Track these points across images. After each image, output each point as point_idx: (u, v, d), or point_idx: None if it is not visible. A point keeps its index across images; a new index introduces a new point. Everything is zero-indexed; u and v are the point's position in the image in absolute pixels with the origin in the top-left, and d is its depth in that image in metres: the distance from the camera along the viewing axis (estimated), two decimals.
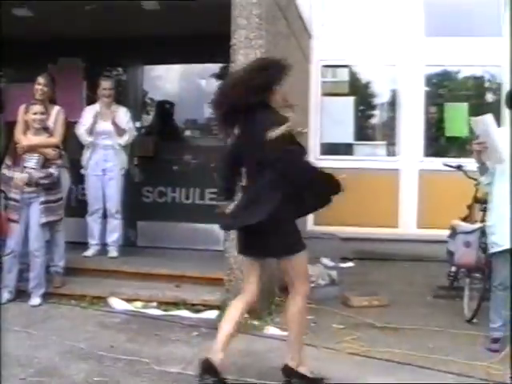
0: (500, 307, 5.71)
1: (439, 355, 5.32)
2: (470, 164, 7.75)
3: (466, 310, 6.66)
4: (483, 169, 5.83)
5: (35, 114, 6.84)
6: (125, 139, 8.17)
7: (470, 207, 7.51)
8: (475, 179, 7.36)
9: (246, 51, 6.48)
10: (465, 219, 7.38)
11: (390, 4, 11.08)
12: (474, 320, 6.43)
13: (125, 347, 5.35)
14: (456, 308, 6.85)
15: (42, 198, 6.71)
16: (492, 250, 5.77)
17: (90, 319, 6.23)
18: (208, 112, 10.04)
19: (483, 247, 6.46)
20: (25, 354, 5.08)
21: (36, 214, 6.67)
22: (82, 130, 8.09)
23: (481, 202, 7.14)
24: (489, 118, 5.65)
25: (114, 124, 8.07)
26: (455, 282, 7.56)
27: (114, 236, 8.23)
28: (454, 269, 7.43)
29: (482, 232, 6.51)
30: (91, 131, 8.07)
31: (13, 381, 4.47)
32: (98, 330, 5.88)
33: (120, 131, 8.10)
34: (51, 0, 7.29)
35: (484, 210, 6.92)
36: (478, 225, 6.71)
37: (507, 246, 5.55)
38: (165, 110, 9.91)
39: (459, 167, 7.90)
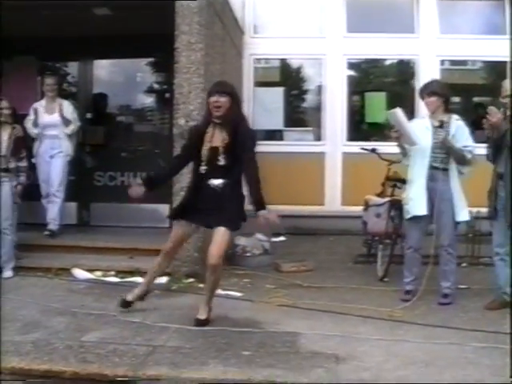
0: (411, 265, 6.85)
1: (354, 305, 6.40)
2: (384, 147, 8.97)
3: (378, 271, 7.79)
4: (404, 153, 6.87)
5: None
6: (70, 128, 9.07)
7: (383, 184, 8.49)
8: (387, 160, 8.53)
9: (188, 53, 7.45)
10: (379, 195, 8.42)
11: (315, 3, 11.92)
12: (385, 279, 7.57)
13: (93, 305, 6.31)
14: (371, 270, 7.94)
15: (14, 182, 7.62)
16: (406, 217, 6.87)
17: (57, 287, 7.11)
18: (146, 101, 10.98)
19: (391, 217, 7.68)
20: (9, 313, 5.91)
21: (8, 196, 7.48)
22: (28, 124, 8.97)
23: (391, 179, 8.32)
24: (398, 111, 6.69)
25: (62, 116, 8.97)
26: (372, 249, 8.56)
27: (53, 213, 8.95)
28: (369, 237, 8.59)
29: (391, 204, 7.71)
30: (36, 124, 8.97)
31: (6, 333, 5.29)
32: (67, 294, 6.78)
33: (66, 122, 9.00)
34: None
35: (394, 187, 8.11)
36: (387, 198, 7.88)
37: (414, 214, 6.70)
38: (105, 101, 10.62)
39: (373, 150, 8.91)
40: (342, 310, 6.24)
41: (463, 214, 6.71)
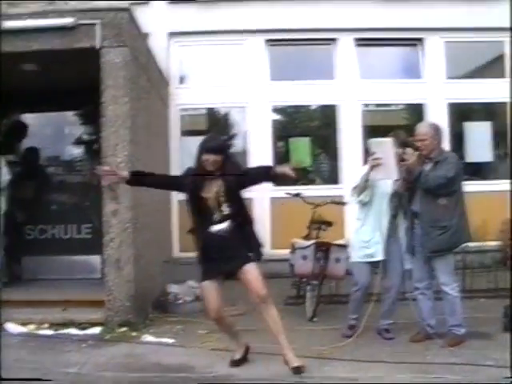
0: (358, 304, 7.08)
1: None
2: (310, 191, 9.37)
3: (308, 311, 8.01)
4: (364, 187, 6.80)
5: None
6: None
7: (309, 227, 8.83)
8: (312, 203, 8.85)
9: (114, 107, 7.63)
10: (306, 237, 8.72)
11: (238, 53, 12.31)
12: (315, 319, 7.82)
13: (27, 359, 6.36)
14: (301, 311, 8.14)
15: None
16: (362, 260, 6.97)
17: None
18: (75, 152, 11.07)
19: (317, 259, 7.92)
20: None
21: None
22: None
23: (316, 222, 8.61)
24: (391, 142, 6.61)
25: None
26: (301, 290, 8.75)
27: None
28: (297, 279, 8.80)
29: (317, 246, 7.96)
30: None
31: None
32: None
33: None
34: None
35: (318, 229, 8.41)
36: (312, 241, 8.14)
37: (379, 258, 6.88)
38: (36, 155, 10.61)
39: (297, 195, 9.23)
40: (273, 350, 6.40)
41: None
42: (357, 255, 7.08)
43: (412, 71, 12.52)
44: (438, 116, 11.69)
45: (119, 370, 5.86)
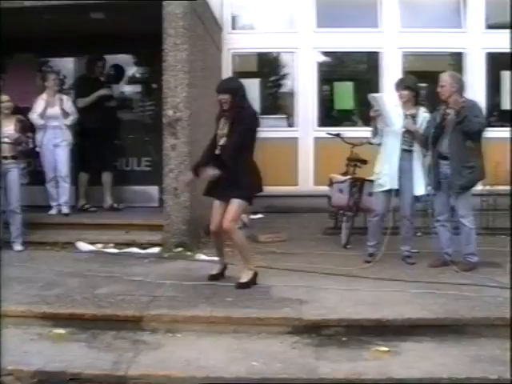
0: (375, 232, 8.02)
1: (319, 265, 7.59)
2: (352, 132, 10.24)
3: (342, 239, 8.97)
4: (375, 132, 7.95)
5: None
6: (70, 119, 10.12)
7: (346, 165, 9.70)
8: (350, 143, 9.72)
9: (174, 53, 8.55)
10: (344, 174, 9.59)
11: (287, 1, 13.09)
12: (348, 246, 8.78)
13: (99, 269, 7.48)
14: (337, 240, 9.10)
15: (21, 165, 8.71)
16: (376, 190, 7.96)
17: (65, 257, 8.23)
18: (133, 91, 12.01)
19: (352, 193, 8.83)
20: (30, 276, 7.12)
21: (17, 180, 8.52)
22: (34, 116, 9.99)
23: (352, 160, 9.50)
24: (383, 96, 8.07)
25: (62, 109, 10.06)
26: (338, 222, 9.67)
27: (65, 197, 10.12)
28: (333, 210, 9.70)
29: (352, 182, 8.87)
30: (42, 116, 10.00)
31: (32, 290, 6.53)
32: (75, 262, 7.91)
33: (66, 114, 10.08)
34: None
35: (355, 166, 9.30)
36: (348, 176, 9.04)
37: (388, 187, 7.81)
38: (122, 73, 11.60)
39: (338, 135, 10.10)
40: (309, 269, 7.44)
41: (419, 189, 7.83)
42: (374, 186, 8.06)
43: (453, 21, 13.08)
44: (476, 64, 12.40)
45: (177, 279, 6.95)
